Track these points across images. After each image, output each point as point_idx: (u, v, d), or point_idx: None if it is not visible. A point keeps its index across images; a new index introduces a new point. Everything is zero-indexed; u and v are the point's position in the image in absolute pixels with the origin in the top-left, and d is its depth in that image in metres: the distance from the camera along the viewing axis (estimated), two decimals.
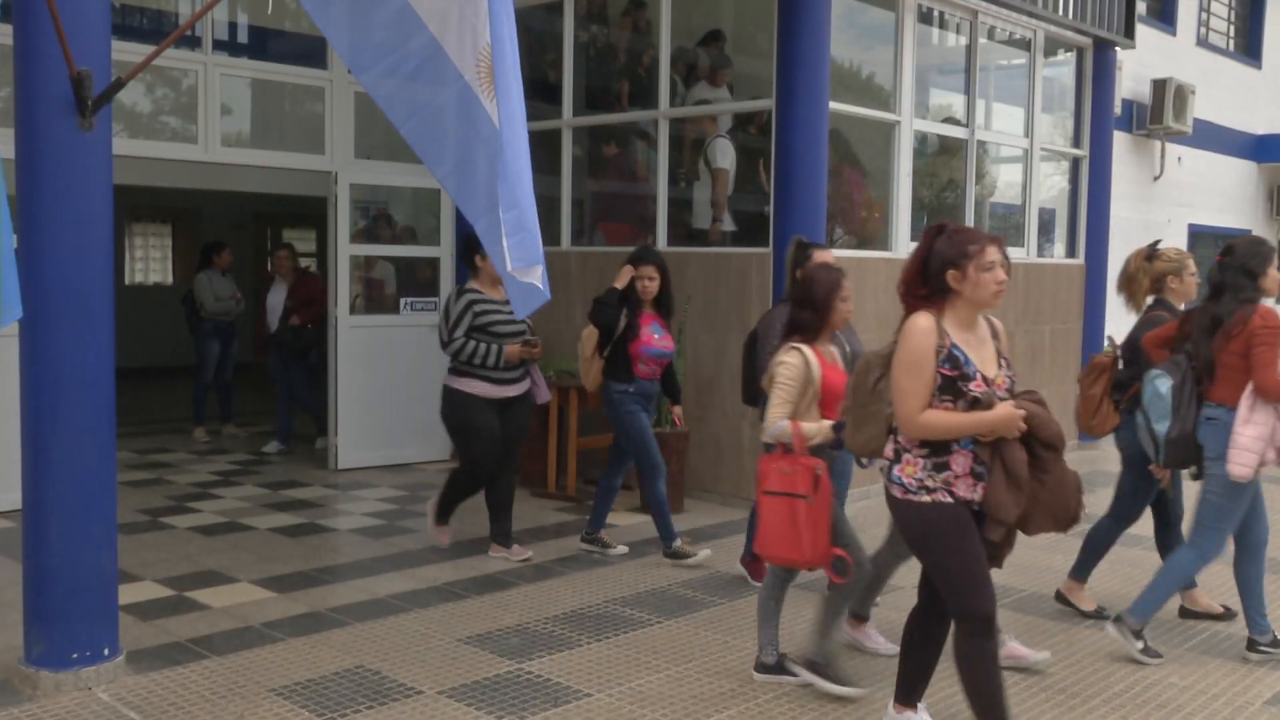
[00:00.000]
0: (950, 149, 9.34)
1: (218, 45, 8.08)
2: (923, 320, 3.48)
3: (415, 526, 6.97)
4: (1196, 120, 14.09)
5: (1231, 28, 16.32)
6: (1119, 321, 5.81)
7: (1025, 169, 9.89)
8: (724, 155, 8.39)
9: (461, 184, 4.20)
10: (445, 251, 9.05)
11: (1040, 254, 10.14)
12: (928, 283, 3.51)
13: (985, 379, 3.48)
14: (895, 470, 3.58)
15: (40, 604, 4.26)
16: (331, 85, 8.48)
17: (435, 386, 9.03)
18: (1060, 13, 9.36)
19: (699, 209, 8.56)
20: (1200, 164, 15.19)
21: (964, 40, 9.10)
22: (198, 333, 10.15)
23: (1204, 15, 15.38)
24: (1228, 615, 5.37)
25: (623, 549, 6.38)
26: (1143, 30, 11.69)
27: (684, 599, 5.57)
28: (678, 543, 6.23)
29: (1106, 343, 5.52)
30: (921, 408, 3.44)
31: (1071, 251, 10.55)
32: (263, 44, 8.78)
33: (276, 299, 9.50)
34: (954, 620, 3.61)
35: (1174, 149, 14.46)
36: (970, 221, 9.15)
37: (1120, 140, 12.10)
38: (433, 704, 4.21)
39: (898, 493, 3.56)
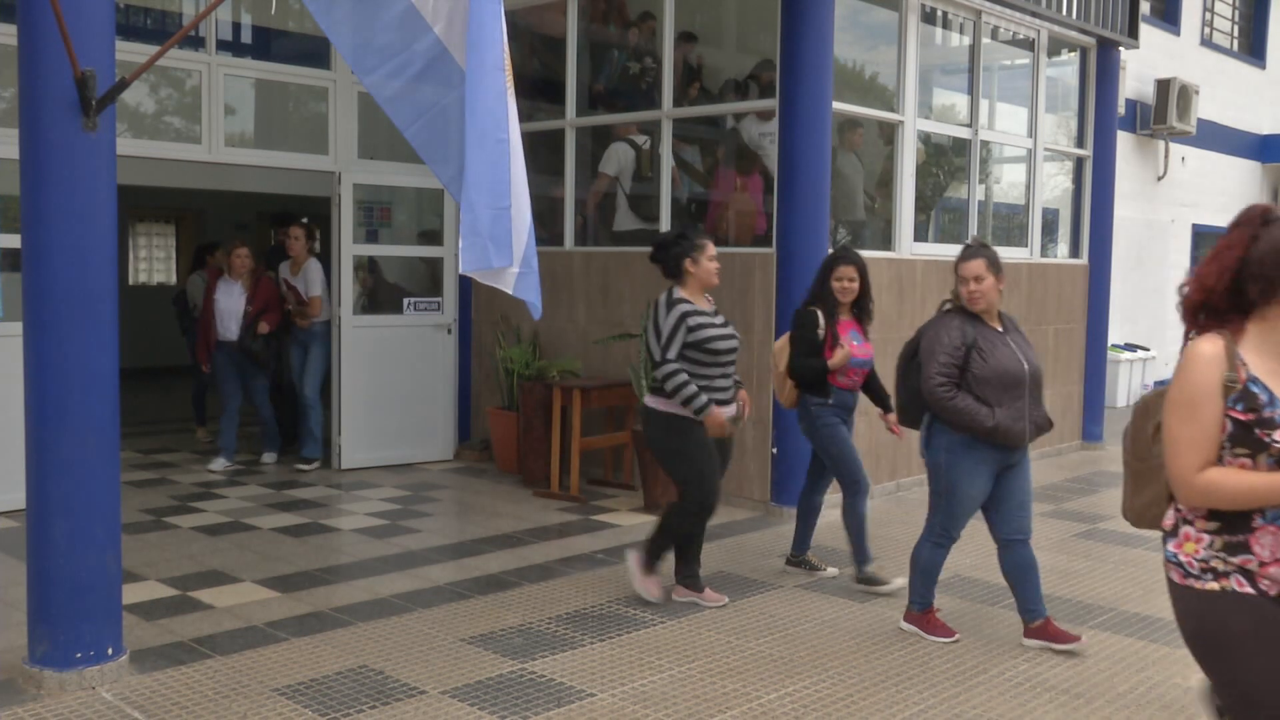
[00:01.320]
0: (954, 149, 9.33)
1: (221, 45, 8.09)
2: (1206, 346, 2.56)
3: (418, 526, 6.97)
4: (1200, 120, 14.07)
5: (1235, 28, 16.30)
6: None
7: (1029, 169, 9.88)
8: (607, 161, 8.62)
9: (462, 185, 4.21)
10: (449, 252, 9.06)
11: (1044, 254, 10.13)
12: (1240, 290, 2.57)
13: None
14: (1171, 546, 2.68)
15: (44, 604, 4.27)
16: (335, 85, 8.49)
17: (438, 386, 9.14)
18: (1064, 12, 9.35)
19: (619, 211, 8.73)
20: (1204, 164, 15.18)
21: (967, 40, 9.09)
22: (190, 333, 10.12)
23: (1208, 15, 15.38)
24: None
25: (833, 570, 5.96)
26: (1147, 30, 11.69)
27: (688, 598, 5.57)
28: (872, 567, 5.77)
29: None
30: (1201, 464, 2.55)
31: (1075, 252, 10.55)
32: (266, 44, 8.79)
33: (232, 302, 8.60)
34: None
35: (1178, 149, 14.45)
36: (973, 222, 9.15)
37: (1124, 140, 12.09)
38: (436, 704, 4.21)
39: (1175, 576, 2.66)
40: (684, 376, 5.19)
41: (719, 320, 5.38)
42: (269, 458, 8.96)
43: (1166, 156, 14.14)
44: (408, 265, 9.40)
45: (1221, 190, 15.66)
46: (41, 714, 4.04)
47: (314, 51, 8.43)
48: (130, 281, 15.47)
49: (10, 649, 4.57)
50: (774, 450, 7.39)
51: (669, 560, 5.53)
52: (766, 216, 8.27)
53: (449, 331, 9.12)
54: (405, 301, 8.97)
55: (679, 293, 5.33)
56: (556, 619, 5.22)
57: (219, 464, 8.62)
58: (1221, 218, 15.89)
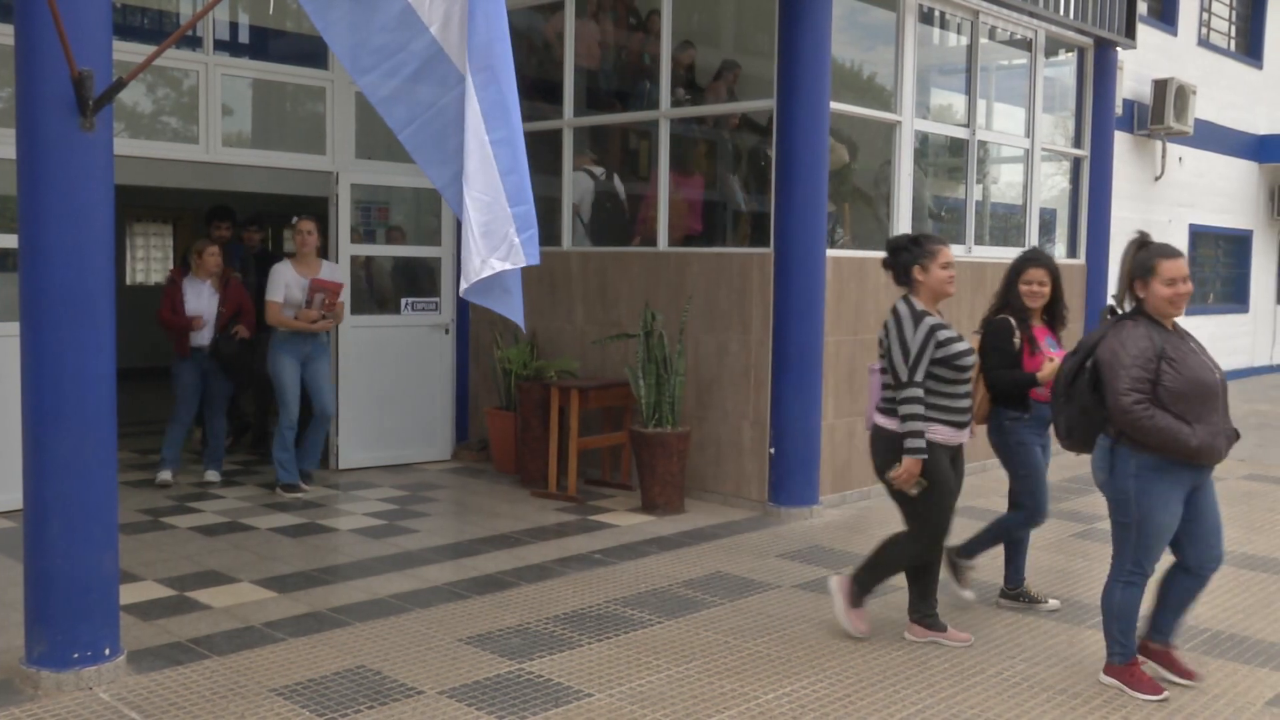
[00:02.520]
0: (951, 149, 9.34)
1: (219, 45, 8.09)
2: None
3: (416, 527, 6.97)
4: (1197, 120, 14.07)
5: (1232, 28, 16.32)
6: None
7: (1026, 169, 9.89)
8: (571, 191, 8.83)
9: (459, 189, 4.20)
10: (446, 252, 9.05)
11: None
12: None
13: None
14: None
15: (41, 604, 4.26)
16: (332, 85, 8.49)
17: (436, 386, 9.14)
18: (1061, 13, 9.36)
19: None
20: (1201, 164, 15.19)
21: (965, 40, 9.10)
22: None
23: (1205, 15, 15.39)
24: None
25: (1055, 603, 5.55)
26: (1144, 30, 11.69)
27: (685, 599, 5.57)
28: (1024, 587, 5.58)
29: None
30: None
31: (1072, 252, 10.55)
32: (264, 44, 8.79)
33: (205, 304, 7.94)
34: None
35: (1175, 149, 14.45)
36: (970, 222, 9.15)
37: (1121, 140, 12.10)
38: (433, 704, 4.21)
39: None
40: (921, 409, 4.72)
41: (955, 333, 4.90)
42: (213, 476, 8.10)
43: (1164, 157, 14.15)
44: (408, 263, 9.39)
45: (1219, 191, 15.67)
46: (39, 714, 4.04)
47: (311, 51, 8.43)
48: (127, 281, 15.45)
49: (7, 649, 4.57)
50: (771, 450, 7.39)
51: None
52: (703, 217, 8.36)
53: (447, 331, 9.12)
54: (403, 301, 8.97)
55: (919, 303, 4.86)
56: (554, 619, 5.22)
57: (165, 476, 8.01)
58: (1219, 218, 15.93)
